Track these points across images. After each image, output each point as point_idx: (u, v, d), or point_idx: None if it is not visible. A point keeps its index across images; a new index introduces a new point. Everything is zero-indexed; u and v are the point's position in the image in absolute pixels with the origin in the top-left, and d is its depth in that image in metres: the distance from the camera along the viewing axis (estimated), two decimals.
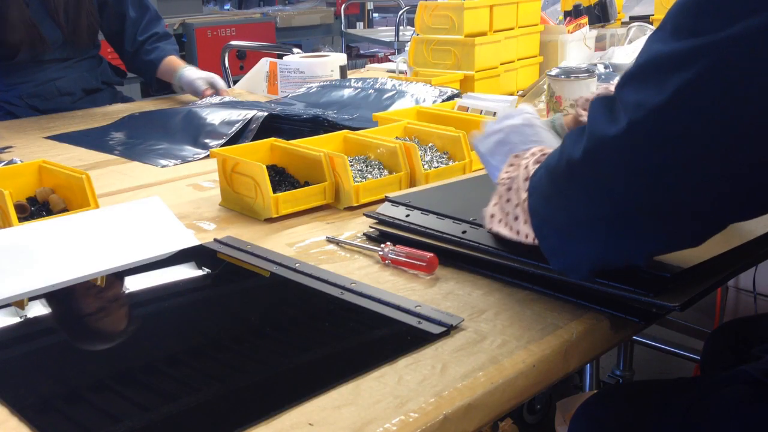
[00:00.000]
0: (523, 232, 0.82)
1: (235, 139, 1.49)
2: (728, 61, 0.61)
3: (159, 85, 2.19)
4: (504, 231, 0.86)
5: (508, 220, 0.85)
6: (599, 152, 0.69)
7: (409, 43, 1.94)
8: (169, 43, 2.18)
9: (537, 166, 0.82)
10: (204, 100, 1.90)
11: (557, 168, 0.75)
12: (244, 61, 5.20)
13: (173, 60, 2.14)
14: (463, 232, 0.93)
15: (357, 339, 0.81)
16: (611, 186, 0.68)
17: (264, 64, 2.15)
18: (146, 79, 2.24)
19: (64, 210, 1.10)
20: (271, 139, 1.24)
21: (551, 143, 0.92)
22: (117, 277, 0.95)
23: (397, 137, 1.31)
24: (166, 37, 2.19)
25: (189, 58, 5.16)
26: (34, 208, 1.10)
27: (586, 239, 0.73)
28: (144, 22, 2.16)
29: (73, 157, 1.52)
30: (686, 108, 0.63)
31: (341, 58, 2.08)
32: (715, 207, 0.67)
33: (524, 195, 0.81)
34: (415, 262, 0.91)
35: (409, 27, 4.12)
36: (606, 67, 1.88)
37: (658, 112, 0.64)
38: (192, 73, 2.05)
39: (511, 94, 1.84)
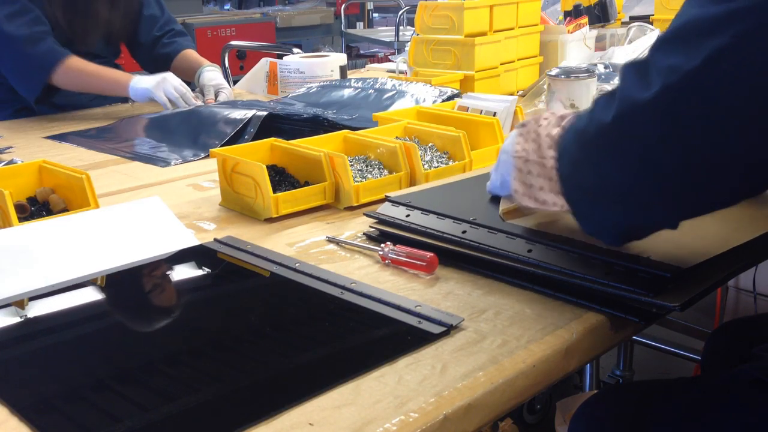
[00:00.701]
0: (550, 201, 0.82)
1: (234, 139, 1.49)
2: (764, 25, 0.60)
3: None
4: (530, 203, 0.84)
5: (532, 192, 0.84)
6: (631, 116, 0.68)
7: (409, 43, 1.94)
8: (186, 40, 2.19)
9: (559, 130, 0.81)
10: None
11: (587, 132, 0.74)
12: (244, 61, 5.20)
13: (192, 55, 2.13)
14: (463, 232, 0.93)
15: (357, 339, 0.80)
16: (643, 151, 0.68)
17: (264, 64, 2.15)
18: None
19: (64, 210, 1.10)
20: (271, 139, 1.24)
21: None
22: (117, 277, 0.95)
23: (397, 137, 1.31)
24: (182, 34, 2.20)
25: None
26: (34, 208, 1.10)
27: (617, 204, 0.73)
28: (161, 20, 2.18)
29: (73, 157, 1.52)
30: (720, 73, 0.63)
31: (341, 58, 2.08)
32: (750, 171, 0.67)
33: (550, 162, 0.80)
34: (415, 261, 0.91)
35: (409, 27, 4.12)
36: (606, 67, 1.88)
37: (692, 77, 0.64)
38: (210, 75, 2.03)
39: (511, 94, 1.84)
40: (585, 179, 0.75)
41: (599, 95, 0.75)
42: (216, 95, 1.98)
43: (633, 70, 0.70)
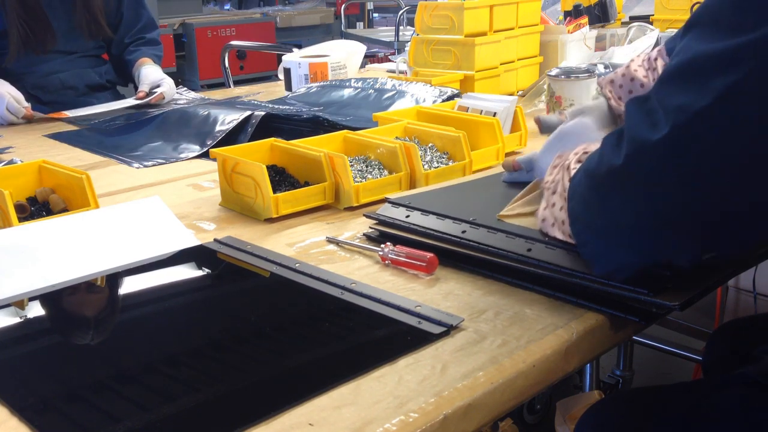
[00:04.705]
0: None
1: (233, 139, 1.49)
2: None
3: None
4: (558, 235, 0.84)
5: (565, 227, 0.83)
6: (642, 159, 0.67)
7: (409, 43, 1.94)
8: (152, 49, 2.17)
9: (578, 166, 0.80)
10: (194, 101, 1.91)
11: (597, 173, 0.72)
12: (244, 61, 5.20)
13: (143, 60, 2.11)
14: (463, 231, 0.93)
15: (357, 339, 0.81)
16: (655, 192, 0.67)
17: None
18: (125, 81, 2.24)
19: (64, 210, 1.10)
20: (271, 139, 1.24)
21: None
22: (117, 277, 0.95)
23: (397, 137, 1.31)
24: (152, 43, 2.18)
25: (189, 58, 5.17)
26: (34, 208, 1.10)
27: (630, 245, 0.72)
28: (136, 27, 2.16)
29: (73, 157, 1.52)
30: (732, 111, 0.61)
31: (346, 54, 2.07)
32: (765, 213, 0.65)
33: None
34: (415, 262, 0.91)
35: (409, 27, 4.11)
36: (606, 67, 1.88)
37: (702, 117, 0.62)
38: (145, 71, 2.03)
39: (511, 94, 1.84)
40: (596, 220, 0.74)
41: (608, 134, 0.73)
42: (152, 89, 1.97)
43: (638, 107, 0.68)
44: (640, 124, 0.67)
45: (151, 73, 2.03)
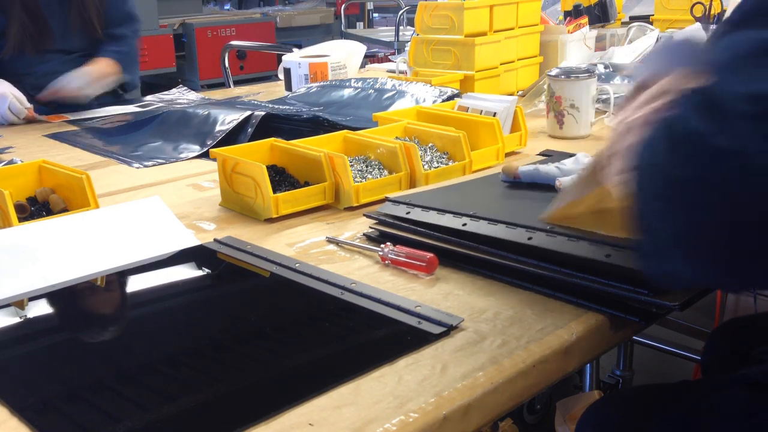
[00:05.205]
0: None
1: (233, 139, 1.49)
2: None
3: None
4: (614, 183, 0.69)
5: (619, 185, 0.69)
6: (707, 164, 0.56)
7: (409, 43, 1.94)
8: (115, 45, 2.11)
9: (648, 129, 0.65)
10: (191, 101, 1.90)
11: (654, 169, 0.62)
12: (244, 61, 5.20)
13: (95, 63, 2.06)
14: (463, 224, 0.92)
15: (357, 339, 0.81)
16: (724, 203, 0.57)
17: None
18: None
19: (64, 210, 1.10)
20: (271, 139, 1.24)
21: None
22: (117, 277, 0.95)
23: (397, 137, 1.31)
24: (118, 39, 2.12)
25: (189, 58, 5.17)
26: (34, 208, 1.10)
27: (700, 255, 0.61)
28: (115, 22, 2.13)
29: (73, 157, 1.52)
30: None
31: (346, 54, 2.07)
32: None
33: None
34: (414, 262, 0.91)
35: (409, 27, 4.12)
36: (606, 67, 1.88)
37: None
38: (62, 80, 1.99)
39: (511, 94, 1.84)
40: (654, 218, 0.63)
41: (658, 121, 0.63)
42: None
43: (698, 105, 0.58)
44: (706, 125, 0.57)
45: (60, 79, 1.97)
